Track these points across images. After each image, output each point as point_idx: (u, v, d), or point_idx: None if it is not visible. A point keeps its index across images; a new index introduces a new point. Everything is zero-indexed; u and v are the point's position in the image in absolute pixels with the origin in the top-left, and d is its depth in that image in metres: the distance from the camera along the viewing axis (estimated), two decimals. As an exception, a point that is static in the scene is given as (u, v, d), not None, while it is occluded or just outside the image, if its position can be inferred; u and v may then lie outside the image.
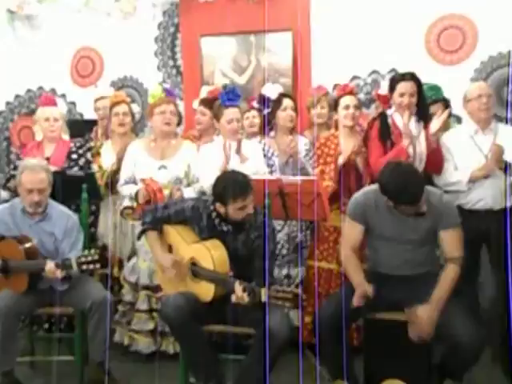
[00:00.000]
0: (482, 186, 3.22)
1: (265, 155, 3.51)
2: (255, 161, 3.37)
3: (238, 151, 3.30)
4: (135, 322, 3.40)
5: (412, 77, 3.26)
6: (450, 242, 2.72)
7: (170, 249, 2.95)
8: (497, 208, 3.19)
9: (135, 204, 3.30)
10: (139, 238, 3.06)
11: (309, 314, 3.38)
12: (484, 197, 3.22)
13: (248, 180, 2.74)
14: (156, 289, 3.30)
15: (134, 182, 3.38)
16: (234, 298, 2.60)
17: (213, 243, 2.79)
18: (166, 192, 3.27)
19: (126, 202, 3.38)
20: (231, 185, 2.69)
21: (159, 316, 3.12)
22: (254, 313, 2.61)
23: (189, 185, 3.38)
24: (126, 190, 3.39)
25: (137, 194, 3.27)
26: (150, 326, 3.38)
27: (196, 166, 3.38)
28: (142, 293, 3.38)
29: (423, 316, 2.59)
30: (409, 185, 2.58)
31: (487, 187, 3.21)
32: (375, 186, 2.80)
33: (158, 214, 2.94)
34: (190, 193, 3.31)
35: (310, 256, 3.53)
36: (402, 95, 3.24)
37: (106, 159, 3.65)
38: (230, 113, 3.37)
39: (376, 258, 2.87)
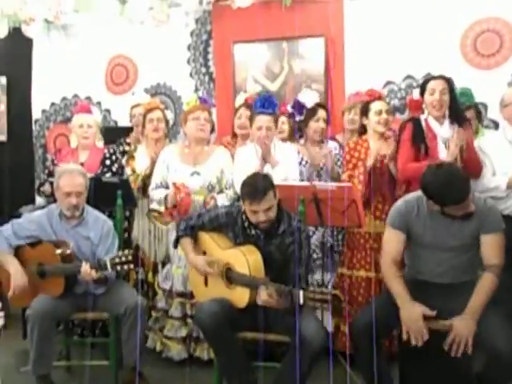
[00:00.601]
0: (522, 192, 3.15)
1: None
2: (287, 166, 3.36)
3: (266, 157, 3.30)
4: (168, 329, 3.41)
5: (441, 76, 3.24)
6: (491, 247, 2.65)
7: (204, 255, 2.96)
8: None
9: (162, 208, 3.33)
10: (175, 246, 3.08)
11: (343, 322, 3.34)
12: (523, 203, 3.14)
13: (260, 189, 2.69)
14: (190, 295, 3.30)
15: (166, 187, 3.40)
16: (259, 301, 2.61)
17: (248, 248, 2.79)
18: (200, 198, 3.29)
19: (154, 205, 3.41)
20: (246, 185, 2.75)
21: (194, 322, 3.12)
22: (290, 320, 2.58)
23: (221, 191, 3.39)
24: (156, 194, 3.41)
25: (166, 198, 3.30)
26: (183, 333, 3.39)
27: (229, 172, 3.40)
28: (175, 300, 3.40)
29: (461, 329, 2.53)
30: (453, 184, 2.52)
31: (527, 193, 3.14)
32: (417, 193, 2.75)
33: (192, 223, 2.96)
34: (222, 199, 3.32)
35: (343, 264, 3.46)
36: (432, 92, 3.20)
37: (140, 163, 3.69)
38: (261, 120, 3.37)
39: (416, 266, 2.81)
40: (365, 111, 3.47)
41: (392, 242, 2.77)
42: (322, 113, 3.59)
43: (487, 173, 3.22)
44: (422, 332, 2.55)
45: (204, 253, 2.96)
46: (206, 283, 2.94)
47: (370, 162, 3.29)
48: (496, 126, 3.83)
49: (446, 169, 2.60)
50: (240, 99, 3.98)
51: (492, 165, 3.23)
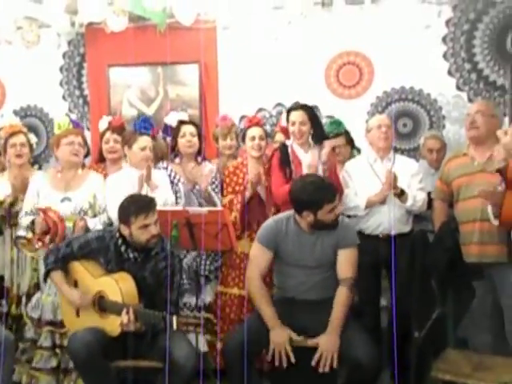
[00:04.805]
0: (381, 212, 3.37)
1: (172, 182, 3.52)
2: (164, 189, 3.39)
3: (148, 180, 3.31)
4: (36, 360, 3.26)
5: (302, 107, 3.43)
6: (345, 261, 2.84)
7: (75, 284, 2.89)
8: (394, 233, 3.37)
9: (30, 234, 3.22)
10: (45, 279, 2.98)
11: (221, 340, 3.40)
12: (382, 222, 3.38)
13: (150, 199, 2.81)
14: (60, 324, 3.19)
15: (36, 214, 3.27)
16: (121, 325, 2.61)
17: (121, 275, 2.77)
18: (69, 224, 3.21)
19: (21, 232, 3.30)
20: (132, 203, 2.77)
21: (67, 353, 3.00)
22: (161, 346, 2.60)
23: (95, 216, 3.32)
24: (24, 221, 3.30)
25: (33, 223, 3.19)
26: (53, 363, 3.26)
27: (102, 197, 3.35)
28: (45, 329, 3.26)
29: (326, 345, 2.68)
30: (323, 184, 2.80)
31: (385, 213, 3.36)
32: (286, 213, 2.91)
33: (61, 254, 2.88)
34: (95, 223, 3.26)
35: (221, 282, 3.53)
36: (293, 124, 3.40)
37: (1, 191, 3.50)
38: (144, 140, 3.41)
39: (285, 284, 2.94)
40: (243, 137, 3.63)
41: (259, 257, 2.90)
42: (186, 128, 3.63)
43: (350, 193, 3.45)
44: (288, 355, 2.69)
45: (75, 282, 2.89)
46: (77, 314, 2.87)
47: (248, 191, 3.41)
48: (358, 151, 4.11)
49: (310, 176, 2.90)
50: (103, 123, 3.92)
51: (354, 186, 3.47)
